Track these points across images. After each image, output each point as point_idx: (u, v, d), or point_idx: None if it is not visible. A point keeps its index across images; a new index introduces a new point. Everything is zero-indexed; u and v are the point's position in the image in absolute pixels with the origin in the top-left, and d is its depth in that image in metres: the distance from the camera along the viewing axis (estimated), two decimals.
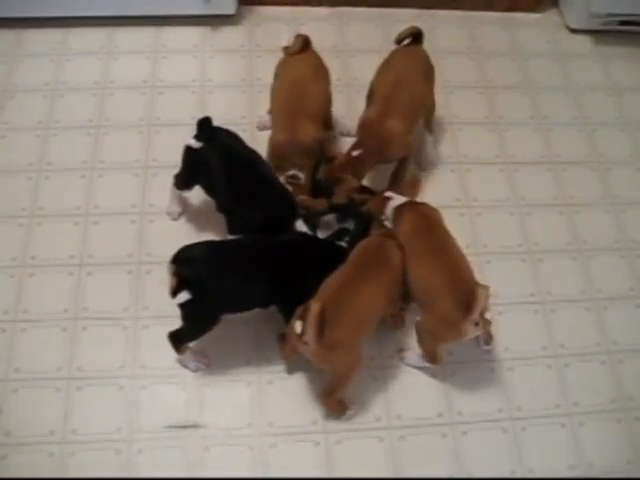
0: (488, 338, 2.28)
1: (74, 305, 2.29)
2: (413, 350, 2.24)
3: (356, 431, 2.13)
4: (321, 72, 2.52)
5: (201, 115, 2.72)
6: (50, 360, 2.19)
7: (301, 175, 2.36)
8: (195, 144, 2.21)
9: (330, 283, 2.04)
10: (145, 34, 3.02)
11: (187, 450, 2.07)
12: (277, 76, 2.54)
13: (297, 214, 2.27)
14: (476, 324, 2.00)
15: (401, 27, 3.07)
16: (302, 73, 2.46)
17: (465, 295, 1.98)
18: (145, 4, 2.95)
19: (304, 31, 3.03)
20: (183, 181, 2.36)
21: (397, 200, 2.26)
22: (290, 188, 2.35)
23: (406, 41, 2.53)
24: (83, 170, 2.60)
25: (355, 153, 2.37)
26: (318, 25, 3.11)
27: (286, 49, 2.54)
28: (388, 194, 2.30)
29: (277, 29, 3.07)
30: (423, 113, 2.53)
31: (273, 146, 2.40)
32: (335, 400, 2.11)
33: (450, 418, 2.18)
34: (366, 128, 2.39)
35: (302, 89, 2.42)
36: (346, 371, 2.05)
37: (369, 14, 3.18)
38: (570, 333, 2.37)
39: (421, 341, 2.18)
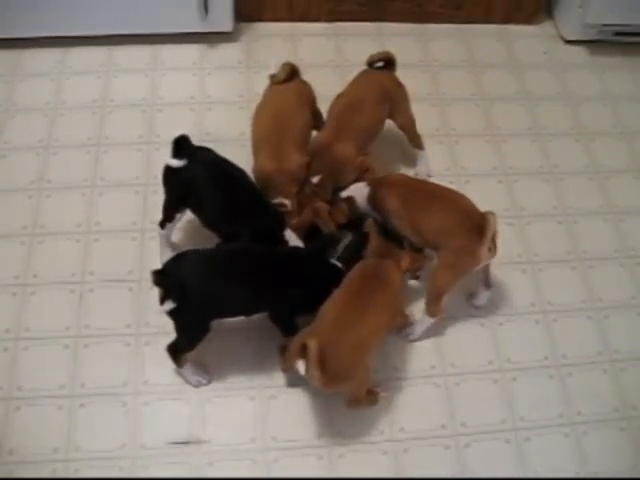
0: (488, 280, 2.33)
1: (76, 322, 2.30)
2: (413, 325, 2.30)
3: (359, 444, 2.13)
4: (306, 101, 2.52)
5: (200, 132, 2.77)
6: (53, 378, 2.19)
7: (287, 202, 2.35)
8: (176, 163, 2.17)
9: (328, 312, 2.03)
10: (144, 52, 3.04)
11: (191, 466, 2.06)
12: (260, 104, 2.53)
13: (285, 225, 2.28)
14: (489, 249, 2.15)
15: (398, 41, 3.13)
16: (285, 103, 2.46)
17: (475, 223, 2.13)
18: (143, 22, 2.98)
19: (301, 46, 3.08)
20: (171, 207, 2.29)
21: (360, 190, 2.32)
22: None
23: (378, 64, 2.54)
24: (83, 188, 2.61)
25: (315, 180, 2.41)
26: (315, 40, 3.14)
27: (272, 77, 2.54)
28: (344, 194, 2.35)
29: (274, 45, 3.10)
30: (376, 135, 2.52)
31: (260, 175, 2.38)
32: (363, 400, 2.11)
33: (453, 430, 2.17)
34: (317, 153, 2.41)
35: (284, 119, 2.42)
36: (359, 387, 2.06)
37: (366, 29, 3.20)
38: (572, 342, 2.37)
39: (434, 284, 2.21)
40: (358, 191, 2.33)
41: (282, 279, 2.13)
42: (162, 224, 2.34)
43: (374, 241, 2.23)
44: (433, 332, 2.34)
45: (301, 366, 1.90)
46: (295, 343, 1.98)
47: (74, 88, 2.91)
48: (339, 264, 2.24)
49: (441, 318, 2.29)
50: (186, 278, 2.00)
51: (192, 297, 1.99)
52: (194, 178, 2.19)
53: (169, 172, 2.21)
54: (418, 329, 2.30)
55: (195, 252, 2.12)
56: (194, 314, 2.04)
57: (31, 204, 2.56)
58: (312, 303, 2.13)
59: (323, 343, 1.88)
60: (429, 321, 2.27)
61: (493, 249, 2.17)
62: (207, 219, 2.28)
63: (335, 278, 2.16)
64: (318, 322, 2.01)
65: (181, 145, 2.17)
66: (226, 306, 2.10)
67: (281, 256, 2.20)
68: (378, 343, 2.08)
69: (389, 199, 2.27)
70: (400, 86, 2.55)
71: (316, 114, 2.58)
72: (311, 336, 1.90)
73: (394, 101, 2.53)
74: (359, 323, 1.99)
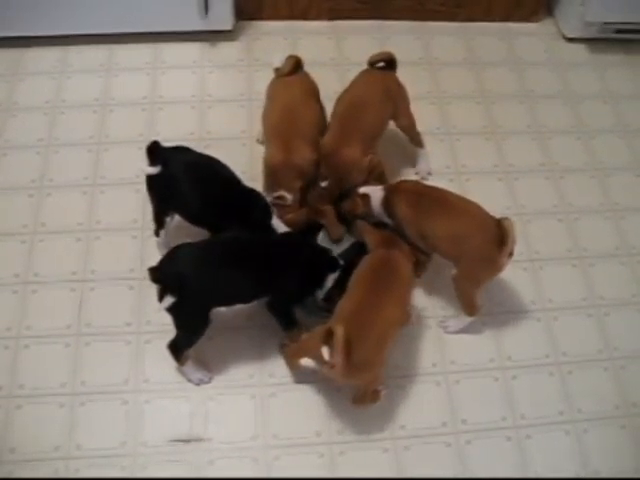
0: None
1: (77, 321, 2.30)
2: (451, 318, 2.33)
3: (360, 442, 2.13)
4: (312, 93, 2.53)
5: (201, 130, 2.77)
6: (54, 376, 2.20)
7: (288, 196, 2.35)
8: (152, 170, 2.17)
9: (347, 304, 2.03)
10: (144, 51, 3.04)
11: (191, 464, 2.07)
12: (269, 98, 2.54)
13: (271, 214, 2.29)
14: (510, 254, 2.12)
15: (398, 39, 3.14)
16: (294, 95, 2.47)
17: (491, 232, 2.11)
18: (144, 21, 2.98)
19: (301, 44, 3.08)
20: (159, 213, 2.31)
21: (376, 193, 2.32)
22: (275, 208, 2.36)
23: (379, 64, 2.52)
24: (84, 186, 2.61)
25: (323, 184, 2.41)
26: (315, 39, 3.14)
27: (277, 70, 2.54)
28: (363, 190, 2.34)
29: (275, 43, 3.10)
30: (380, 134, 2.51)
31: (268, 166, 2.40)
32: (367, 398, 2.12)
33: (454, 427, 2.18)
34: (324, 159, 2.40)
35: (295, 111, 2.43)
36: (372, 382, 2.07)
37: (366, 27, 3.20)
38: (572, 340, 2.37)
39: (460, 292, 2.25)
40: (373, 193, 2.33)
41: (276, 264, 2.13)
42: (156, 232, 2.36)
43: (372, 235, 2.24)
44: (434, 330, 2.35)
45: (326, 352, 1.89)
46: (318, 334, 1.98)
47: (75, 87, 2.91)
48: (332, 252, 2.25)
49: (480, 314, 2.32)
50: (182, 271, 2.00)
51: (190, 289, 1.99)
52: (172, 180, 2.18)
53: (148, 180, 2.22)
54: (457, 324, 2.33)
55: (189, 245, 2.13)
56: (193, 307, 2.04)
57: (32, 203, 2.56)
58: (306, 289, 2.16)
59: (348, 332, 1.88)
60: (467, 320, 2.31)
61: (512, 253, 2.15)
62: (193, 217, 2.28)
63: (330, 265, 2.19)
64: (337, 316, 2.00)
65: (154, 151, 2.17)
66: (223, 295, 2.10)
67: (275, 242, 2.22)
68: (395, 337, 2.08)
69: (400, 205, 2.27)
70: (401, 87, 2.54)
71: (321, 107, 2.58)
72: (337, 323, 1.90)
73: (396, 102, 2.52)
74: (378, 316, 1.98)
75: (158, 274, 2.00)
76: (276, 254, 2.15)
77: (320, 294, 2.20)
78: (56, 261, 2.42)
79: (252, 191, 2.32)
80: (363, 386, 2.09)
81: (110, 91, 2.90)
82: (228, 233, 2.21)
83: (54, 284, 2.37)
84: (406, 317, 2.20)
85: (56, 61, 2.99)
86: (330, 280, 2.18)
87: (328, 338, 1.88)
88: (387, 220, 2.32)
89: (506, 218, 2.12)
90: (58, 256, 2.44)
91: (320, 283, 2.19)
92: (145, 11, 2.94)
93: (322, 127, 2.53)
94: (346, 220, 2.42)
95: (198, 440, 2.11)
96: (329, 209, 2.41)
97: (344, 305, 2.03)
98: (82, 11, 2.92)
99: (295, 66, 2.52)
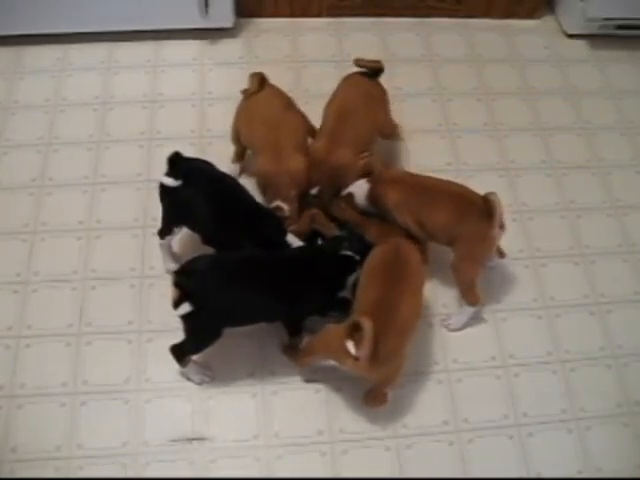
0: (501, 252, 2.39)
1: (78, 320, 2.30)
2: (452, 315, 2.33)
3: (362, 440, 2.13)
4: (288, 103, 2.49)
5: (201, 128, 2.77)
6: (55, 375, 2.19)
7: (285, 206, 2.32)
8: (172, 183, 2.12)
9: (366, 298, 2.02)
10: (144, 48, 3.03)
11: (194, 463, 2.07)
12: (247, 118, 2.47)
13: (285, 232, 2.24)
14: (500, 226, 2.16)
15: (399, 36, 3.13)
16: (272, 108, 2.43)
17: (479, 208, 2.15)
18: (144, 19, 2.97)
19: (302, 42, 3.07)
20: (168, 223, 2.26)
21: (360, 188, 2.32)
22: None
23: (363, 70, 2.50)
24: (85, 185, 2.60)
25: (314, 192, 2.40)
26: (316, 36, 3.13)
27: (245, 91, 2.49)
28: (344, 192, 2.35)
29: (275, 41, 3.09)
30: (374, 137, 2.49)
31: (260, 176, 2.38)
32: (377, 399, 2.13)
33: (456, 426, 2.17)
34: (315, 165, 2.38)
35: (278, 122, 2.39)
36: (392, 379, 2.06)
37: (367, 24, 3.19)
38: (575, 338, 2.37)
39: (460, 278, 2.25)
40: (358, 188, 2.32)
41: (303, 283, 2.11)
42: (161, 235, 2.32)
43: (372, 228, 2.26)
44: (436, 328, 2.34)
45: (351, 346, 1.87)
46: (329, 334, 1.98)
47: (75, 85, 2.90)
48: (351, 253, 2.22)
49: (481, 305, 2.32)
50: (207, 283, 1.98)
51: (212, 303, 1.97)
52: (190, 199, 2.15)
53: (164, 190, 2.18)
54: (460, 319, 2.32)
55: (214, 257, 2.11)
56: (210, 320, 2.02)
57: (32, 201, 2.55)
58: (332, 297, 2.17)
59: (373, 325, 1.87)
60: (470, 310, 2.30)
61: (503, 226, 2.18)
62: (206, 237, 2.24)
63: (350, 266, 2.17)
64: (360, 310, 1.98)
65: (175, 163, 2.13)
66: (243, 314, 2.08)
67: (300, 258, 2.17)
68: (416, 328, 2.07)
69: (389, 195, 2.26)
70: (385, 92, 2.52)
71: (302, 114, 2.53)
72: (363, 316, 1.88)
73: (380, 105, 2.50)
74: (398, 308, 1.97)
75: (183, 279, 1.95)
76: (299, 270, 2.12)
77: (347, 293, 2.19)
78: (57, 260, 2.42)
79: (268, 212, 2.28)
80: (382, 381, 2.08)
81: (110, 89, 2.90)
82: (253, 250, 2.17)
83: (55, 283, 2.37)
84: (423, 307, 2.20)
85: (56, 59, 2.98)
86: (351, 280, 2.17)
87: (353, 332, 1.87)
88: (374, 210, 2.32)
89: (491, 193, 2.14)
90: (59, 255, 2.43)
91: (342, 286, 2.17)
92: (145, 9, 2.93)
93: (308, 132, 2.50)
94: (339, 221, 2.40)
95: (200, 439, 2.11)
96: (317, 212, 2.36)
97: (363, 299, 2.02)
98: (82, 9, 2.91)
99: (261, 82, 2.47)
